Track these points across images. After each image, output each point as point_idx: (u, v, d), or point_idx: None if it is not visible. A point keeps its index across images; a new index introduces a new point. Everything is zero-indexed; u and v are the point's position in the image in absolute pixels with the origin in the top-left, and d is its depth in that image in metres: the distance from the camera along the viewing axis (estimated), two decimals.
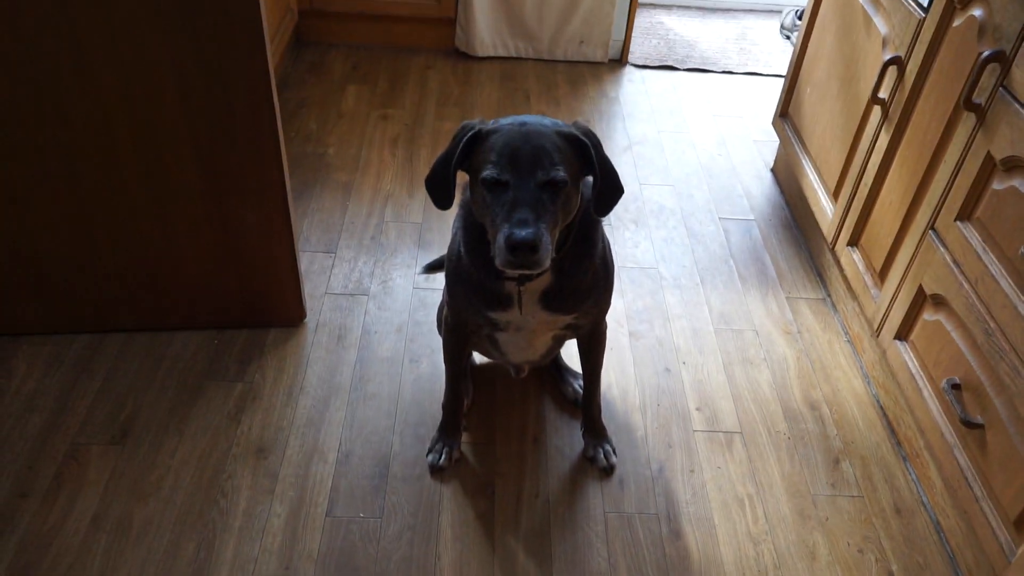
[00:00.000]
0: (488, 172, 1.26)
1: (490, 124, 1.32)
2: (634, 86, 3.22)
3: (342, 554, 1.54)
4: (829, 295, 2.25)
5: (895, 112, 1.84)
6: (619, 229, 2.43)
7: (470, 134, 1.31)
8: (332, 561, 1.53)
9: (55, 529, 1.54)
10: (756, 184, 2.69)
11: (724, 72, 3.37)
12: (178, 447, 1.71)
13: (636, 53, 3.42)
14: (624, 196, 1.48)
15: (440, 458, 1.70)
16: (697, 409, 1.90)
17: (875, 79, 1.89)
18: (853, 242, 2.04)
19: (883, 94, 1.89)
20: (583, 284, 1.45)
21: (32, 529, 1.54)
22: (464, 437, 1.78)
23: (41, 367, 1.85)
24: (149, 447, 1.70)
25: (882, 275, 1.89)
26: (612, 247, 1.73)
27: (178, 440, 1.72)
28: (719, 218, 2.52)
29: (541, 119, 1.31)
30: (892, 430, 1.88)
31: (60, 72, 1.54)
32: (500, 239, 1.24)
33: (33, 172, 1.67)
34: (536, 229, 1.22)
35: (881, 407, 1.94)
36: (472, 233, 1.42)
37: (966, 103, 1.55)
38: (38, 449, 1.68)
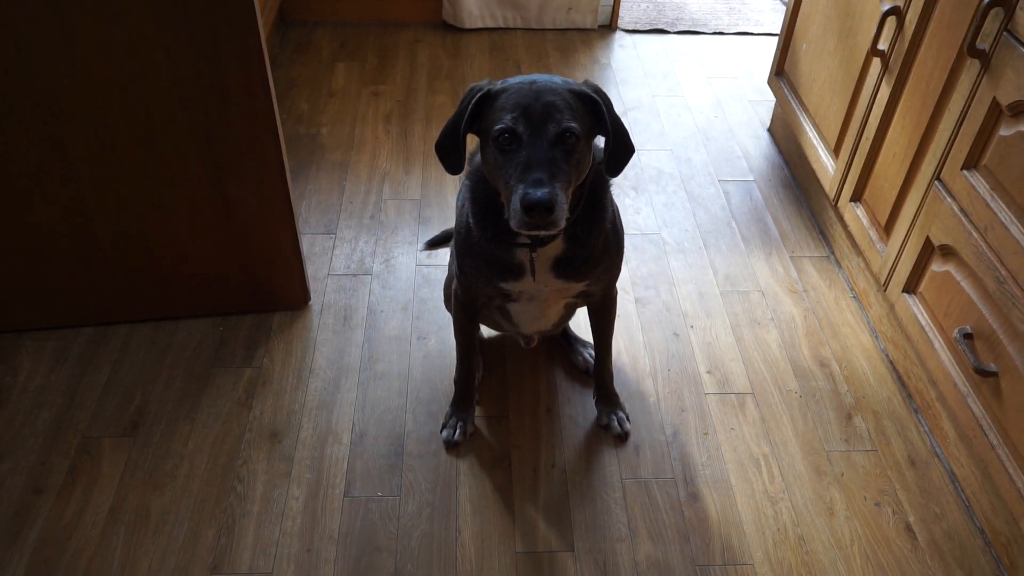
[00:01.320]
0: (500, 127, 1.24)
1: (499, 84, 1.30)
2: (625, 51, 3.18)
3: (363, 533, 1.54)
4: (833, 252, 2.24)
5: (895, 63, 1.82)
6: (619, 196, 2.41)
7: (479, 95, 1.29)
8: (353, 540, 1.53)
9: (72, 524, 1.54)
10: (754, 144, 2.67)
11: (715, 33, 3.34)
12: (190, 435, 1.70)
13: (625, 18, 3.38)
14: None
15: (455, 433, 1.70)
16: (708, 372, 1.89)
17: (874, 31, 1.87)
18: (856, 197, 2.03)
19: (882, 45, 1.87)
20: (595, 250, 1.44)
21: (49, 525, 1.53)
22: (477, 411, 1.77)
23: (46, 363, 1.83)
24: (161, 437, 1.69)
25: (887, 229, 1.88)
26: None
27: (190, 428, 1.71)
28: (719, 180, 2.50)
29: (551, 77, 1.29)
30: (903, 383, 1.88)
31: (50, 62, 1.51)
32: (515, 200, 1.21)
33: (27, 165, 1.64)
34: (551, 188, 1.19)
35: (891, 361, 1.94)
36: (480, 203, 1.40)
37: (969, 50, 1.53)
38: (50, 445, 1.67)
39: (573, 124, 1.24)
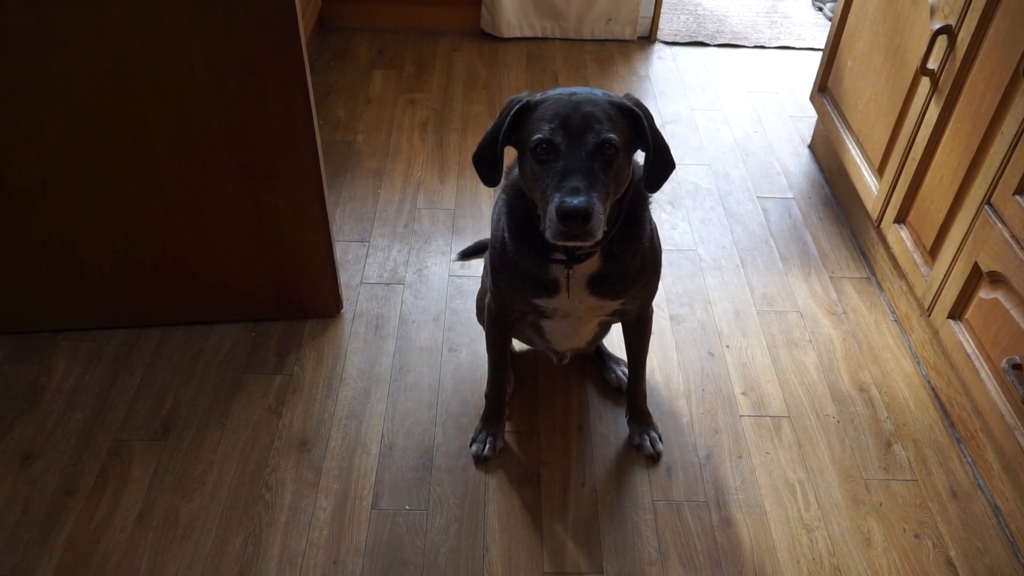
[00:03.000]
0: (538, 137, 1.22)
1: (538, 96, 1.29)
2: (664, 63, 3.15)
3: (389, 547, 1.53)
4: (874, 274, 2.19)
5: (945, 83, 1.78)
6: (655, 211, 2.38)
7: (518, 107, 1.27)
8: (380, 554, 1.52)
9: (102, 527, 1.54)
10: (794, 161, 2.62)
11: (756, 47, 3.29)
12: (220, 441, 1.70)
13: (665, 30, 3.35)
14: None
15: (484, 448, 1.68)
16: (743, 393, 1.86)
17: (924, 49, 1.82)
18: (900, 219, 1.98)
19: (932, 64, 1.83)
20: (632, 268, 1.41)
21: (79, 527, 1.54)
22: (507, 426, 1.75)
23: (81, 364, 1.84)
24: (191, 442, 1.69)
25: (933, 252, 1.83)
26: None
27: (220, 434, 1.71)
28: (757, 197, 2.46)
29: (592, 90, 1.27)
30: (945, 411, 1.83)
31: (90, 66, 1.52)
32: (551, 209, 1.19)
33: (66, 167, 1.65)
34: (588, 197, 1.17)
35: (933, 388, 1.88)
36: (517, 218, 1.38)
37: None
38: (81, 446, 1.67)
39: (612, 135, 1.21)
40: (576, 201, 1.16)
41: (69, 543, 1.51)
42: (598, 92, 1.27)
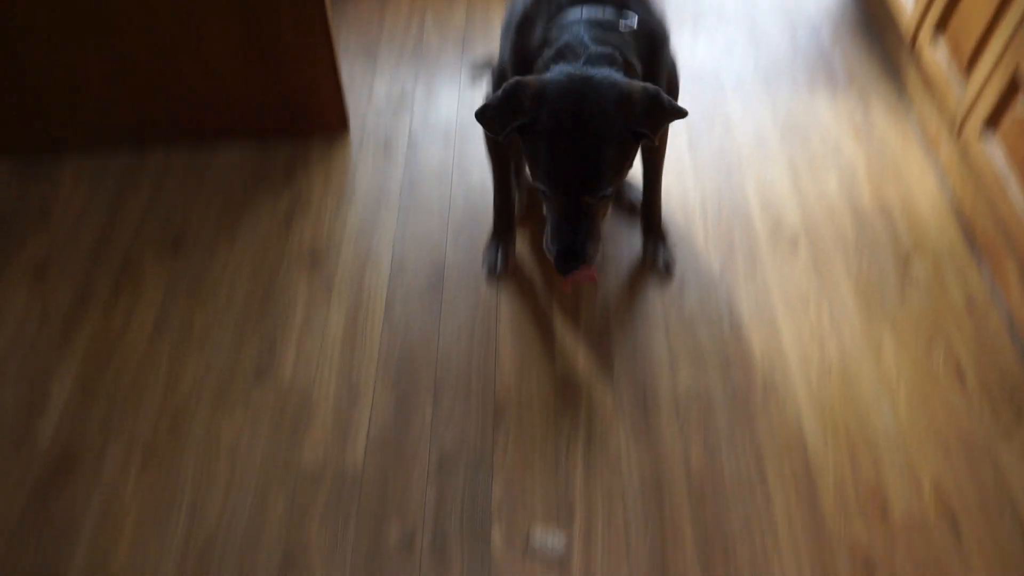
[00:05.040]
0: (537, 183, 1.26)
1: (542, 110, 1.21)
2: None
3: (402, 357, 1.54)
4: (904, 95, 2.10)
5: None
6: (675, 33, 2.26)
7: (517, 125, 1.22)
8: (392, 364, 1.53)
9: (119, 336, 1.56)
10: None
11: None
12: (231, 256, 1.69)
13: None
14: None
15: (496, 262, 1.66)
16: (761, 213, 1.81)
17: None
18: (940, 29, 1.86)
19: None
20: None
21: (98, 336, 1.56)
22: (519, 244, 1.73)
23: (87, 184, 1.82)
24: (202, 255, 1.69)
25: (970, 64, 1.73)
26: None
27: (230, 248, 1.70)
28: (784, 17, 2.33)
29: (599, 91, 1.20)
30: (967, 230, 1.79)
31: None
32: (549, 245, 1.27)
33: None
34: (583, 246, 1.24)
35: (956, 208, 1.83)
36: (522, 69, 1.37)
37: None
38: (93, 263, 1.67)
39: (610, 188, 1.23)
40: (571, 250, 1.23)
41: (88, 352, 1.53)
42: (609, 95, 1.19)
